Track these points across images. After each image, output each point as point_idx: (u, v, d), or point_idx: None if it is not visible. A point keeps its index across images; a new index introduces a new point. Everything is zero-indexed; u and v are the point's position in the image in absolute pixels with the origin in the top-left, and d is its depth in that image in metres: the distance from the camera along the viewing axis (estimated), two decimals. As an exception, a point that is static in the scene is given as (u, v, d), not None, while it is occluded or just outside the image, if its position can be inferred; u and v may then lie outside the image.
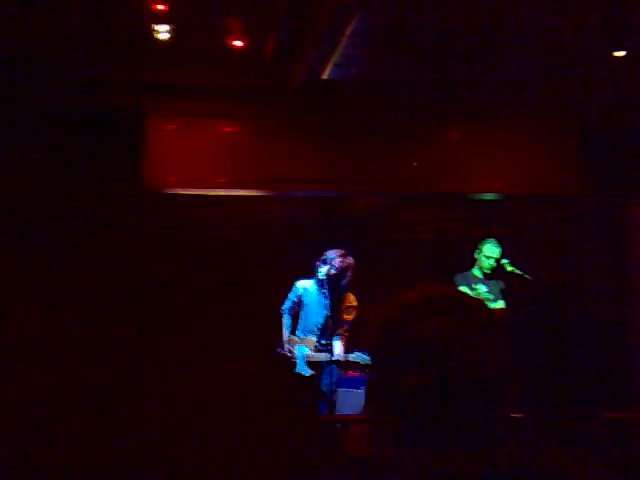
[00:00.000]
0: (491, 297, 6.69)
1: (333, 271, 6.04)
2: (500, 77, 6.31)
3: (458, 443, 1.16)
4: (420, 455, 1.15)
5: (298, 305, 6.28)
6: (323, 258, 6.11)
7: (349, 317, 6.23)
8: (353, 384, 6.40)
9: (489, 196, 7.33)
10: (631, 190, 6.87)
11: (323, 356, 6.08)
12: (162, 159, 6.54)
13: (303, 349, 6.14)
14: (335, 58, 5.56)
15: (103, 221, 7.42)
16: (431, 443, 1.16)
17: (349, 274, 6.12)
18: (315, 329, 6.15)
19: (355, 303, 6.25)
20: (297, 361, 6.10)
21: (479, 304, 1.27)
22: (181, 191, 6.77)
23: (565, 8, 4.99)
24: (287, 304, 6.29)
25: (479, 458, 1.15)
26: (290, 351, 6.15)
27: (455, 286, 6.21)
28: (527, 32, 5.42)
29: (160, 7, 4.67)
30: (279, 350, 6.15)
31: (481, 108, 6.85)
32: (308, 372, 6.02)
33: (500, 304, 6.56)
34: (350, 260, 6.12)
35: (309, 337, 6.17)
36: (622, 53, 5.45)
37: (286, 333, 6.25)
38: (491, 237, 6.79)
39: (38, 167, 6.29)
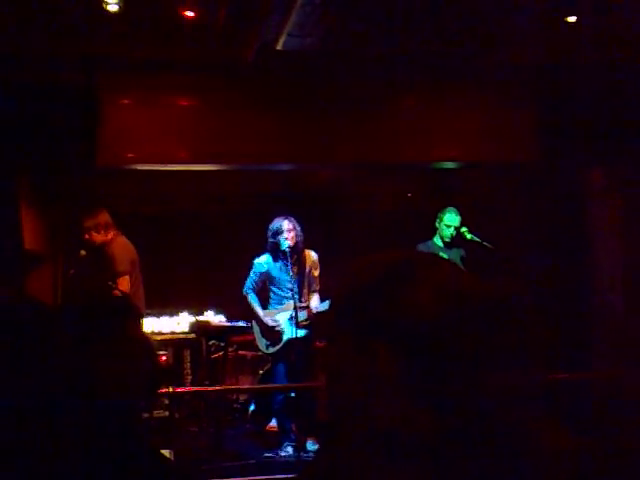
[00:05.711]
0: (452, 265, 6.73)
1: (297, 239, 6.04)
2: (455, 45, 6.29)
3: None
4: None
5: (263, 282, 6.25)
6: (275, 228, 6.05)
7: (316, 273, 6.30)
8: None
9: (447, 165, 7.35)
10: (588, 156, 6.93)
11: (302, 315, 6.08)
12: (117, 135, 6.45)
13: (286, 314, 6.15)
14: (288, 28, 5.50)
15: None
16: None
17: (302, 234, 6.13)
18: (290, 295, 6.09)
19: (316, 258, 6.33)
20: (285, 328, 6.12)
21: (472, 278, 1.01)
22: (138, 166, 6.70)
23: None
24: (250, 283, 6.27)
25: None
26: (275, 320, 6.16)
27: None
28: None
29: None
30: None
31: (436, 77, 6.83)
32: (303, 332, 6.04)
33: (460, 272, 6.60)
34: (294, 221, 6.10)
35: (287, 303, 6.14)
36: (573, 19, 5.47)
37: (260, 310, 6.26)
38: (450, 206, 6.82)
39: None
